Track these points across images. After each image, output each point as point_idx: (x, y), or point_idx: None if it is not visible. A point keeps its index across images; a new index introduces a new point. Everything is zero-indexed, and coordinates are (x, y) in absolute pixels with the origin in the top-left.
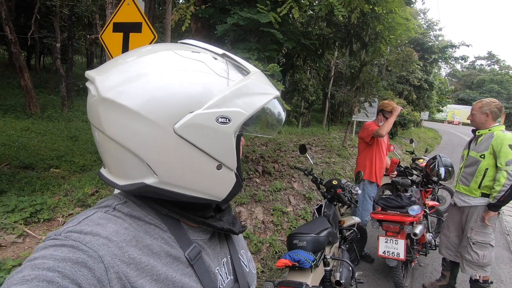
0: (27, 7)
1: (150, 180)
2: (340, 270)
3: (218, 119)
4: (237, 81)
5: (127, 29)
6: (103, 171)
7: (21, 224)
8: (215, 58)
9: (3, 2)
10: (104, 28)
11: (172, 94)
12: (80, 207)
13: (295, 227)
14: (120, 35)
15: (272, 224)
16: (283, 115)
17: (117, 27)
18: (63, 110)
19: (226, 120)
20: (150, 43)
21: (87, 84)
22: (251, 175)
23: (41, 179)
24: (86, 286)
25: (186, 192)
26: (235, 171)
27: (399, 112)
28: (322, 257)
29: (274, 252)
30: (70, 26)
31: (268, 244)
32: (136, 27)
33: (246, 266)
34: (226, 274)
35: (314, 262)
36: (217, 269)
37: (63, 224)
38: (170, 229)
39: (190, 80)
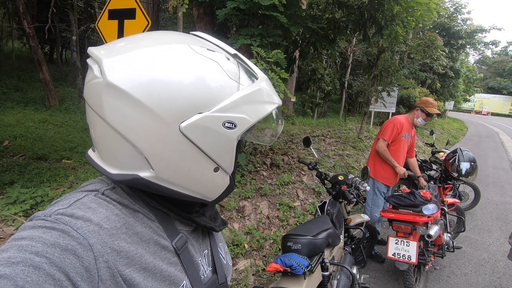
0: (48, 2)
1: (145, 174)
2: (338, 277)
3: (224, 124)
4: (246, 86)
5: (121, 16)
6: (92, 154)
7: (20, 216)
8: (228, 59)
9: None
10: (100, 16)
11: (184, 93)
12: None
13: (301, 223)
14: (115, 23)
15: (277, 220)
16: (281, 124)
17: (112, 15)
18: (80, 102)
19: (232, 125)
20: (144, 30)
21: (89, 61)
22: (258, 168)
23: (51, 170)
24: (73, 275)
25: (180, 189)
26: (230, 175)
27: (400, 173)
28: (320, 261)
29: (278, 249)
30: (86, 19)
31: (271, 241)
32: (130, 14)
33: (223, 258)
34: (206, 265)
35: (309, 268)
36: (200, 260)
37: None
38: (157, 219)
39: (203, 81)
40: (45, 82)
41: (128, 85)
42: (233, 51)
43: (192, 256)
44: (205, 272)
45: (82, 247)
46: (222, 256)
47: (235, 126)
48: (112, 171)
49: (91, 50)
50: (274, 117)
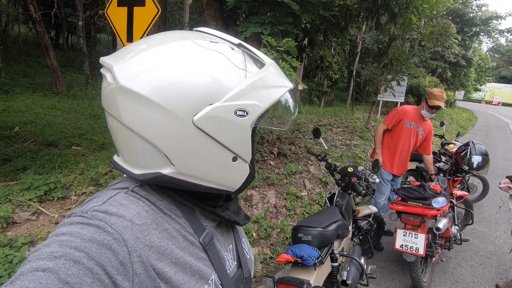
0: None
1: (166, 170)
2: (348, 268)
3: (236, 112)
4: (254, 73)
5: (131, 3)
6: (116, 159)
7: (35, 202)
8: (232, 49)
9: None
10: (109, 3)
11: (192, 86)
12: (93, 186)
13: (308, 213)
14: (124, 10)
15: (284, 209)
16: (295, 108)
17: (121, 1)
18: (87, 89)
19: (244, 113)
20: (154, 17)
21: (103, 71)
22: (265, 157)
23: (62, 156)
24: (110, 269)
25: (202, 182)
26: (249, 163)
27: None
28: (330, 252)
29: (285, 238)
30: (92, 3)
31: (279, 230)
32: (139, 0)
33: (247, 253)
34: (232, 259)
35: (319, 259)
36: (225, 255)
37: (75, 203)
38: (184, 215)
39: (210, 73)
40: (53, 68)
41: (138, 86)
42: (237, 41)
43: (218, 251)
44: (230, 266)
45: (117, 242)
46: (245, 251)
47: (247, 113)
48: (136, 171)
49: (103, 59)
50: (288, 101)
